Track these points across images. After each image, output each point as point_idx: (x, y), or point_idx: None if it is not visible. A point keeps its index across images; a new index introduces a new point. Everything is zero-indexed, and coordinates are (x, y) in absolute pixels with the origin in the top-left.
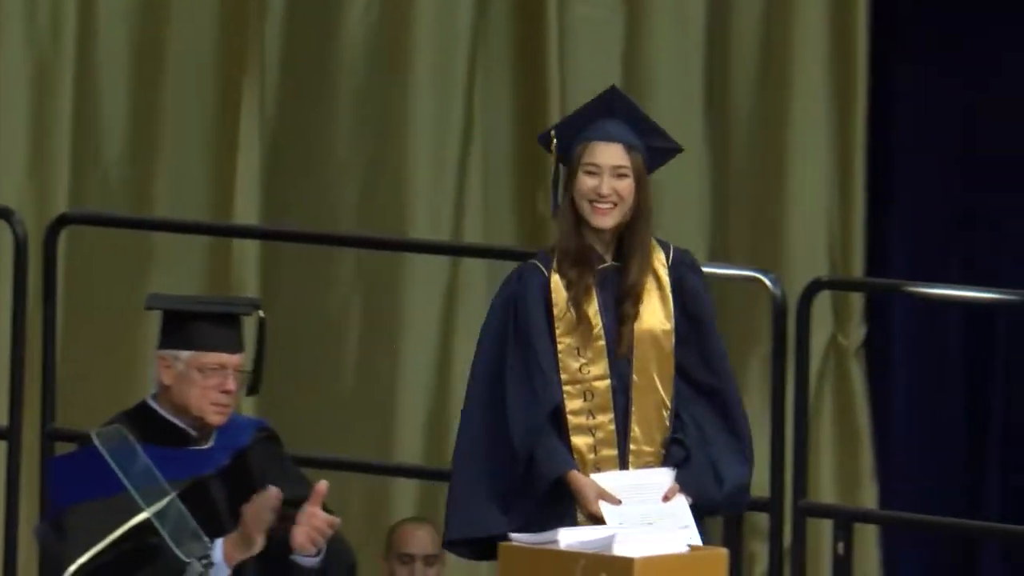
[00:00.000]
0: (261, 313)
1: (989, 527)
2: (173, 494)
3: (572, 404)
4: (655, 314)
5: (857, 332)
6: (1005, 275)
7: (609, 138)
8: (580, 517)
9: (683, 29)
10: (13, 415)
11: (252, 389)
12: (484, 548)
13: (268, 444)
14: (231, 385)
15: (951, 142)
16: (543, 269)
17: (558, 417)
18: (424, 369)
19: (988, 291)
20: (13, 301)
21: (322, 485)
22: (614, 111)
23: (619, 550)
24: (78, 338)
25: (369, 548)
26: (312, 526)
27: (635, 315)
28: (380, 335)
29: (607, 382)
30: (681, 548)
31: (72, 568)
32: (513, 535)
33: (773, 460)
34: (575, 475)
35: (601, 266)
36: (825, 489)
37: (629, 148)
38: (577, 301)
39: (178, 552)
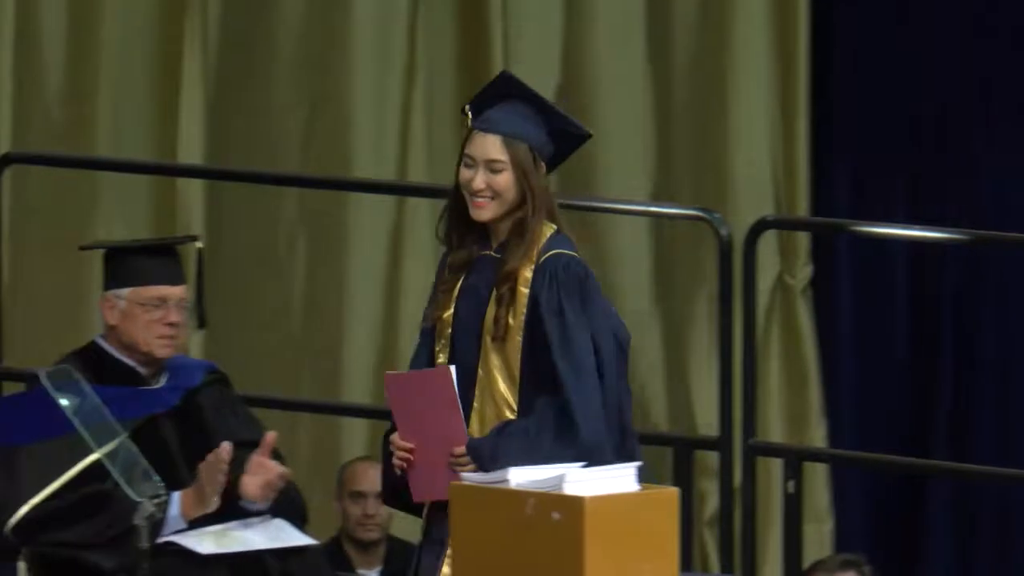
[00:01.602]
0: (199, 244)
1: (936, 465)
2: (124, 434)
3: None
4: (512, 312)
5: (804, 272)
6: (950, 214)
7: (488, 129)
8: None
9: None
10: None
11: (200, 323)
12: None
13: (218, 386)
14: (174, 317)
15: (894, 81)
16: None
17: None
18: (372, 307)
19: (933, 230)
20: None
21: (271, 436)
22: (510, 97)
23: (569, 489)
24: (25, 278)
25: (319, 488)
26: (263, 479)
27: (510, 302)
28: (326, 274)
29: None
30: (631, 487)
31: (24, 510)
32: (464, 474)
33: (722, 399)
34: None
35: (483, 252)
36: (774, 428)
37: (509, 140)
38: (445, 286)
39: (129, 492)
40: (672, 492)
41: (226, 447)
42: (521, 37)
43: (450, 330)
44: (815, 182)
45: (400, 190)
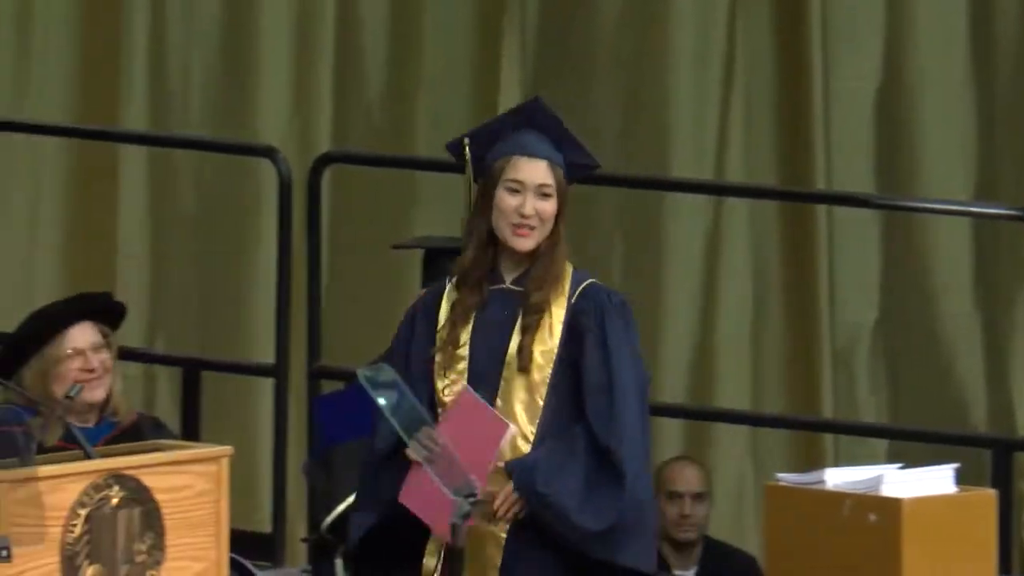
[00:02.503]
0: None
1: None
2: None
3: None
4: (538, 342)
5: None
6: None
7: (534, 154)
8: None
9: None
10: (280, 354)
11: None
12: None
13: None
14: None
15: None
16: (445, 281)
17: None
18: (688, 305)
19: None
20: (278, 239)
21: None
22: (534, 123)
23: (887, 490)
24: (344, 277)
25: None
26: None
27: (535, 332)
28: (643, 271)
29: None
30: (949, 488)
31: (341, 507)
32: (779, 475)
33: None
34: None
35: (494, 287)
36: None
37: (553, 165)
38: (454, 321)
39: (443, 488)
40: (990, 494)
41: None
42: (840, 40)
43: (464, 364)
44: None
45: (718, 190)
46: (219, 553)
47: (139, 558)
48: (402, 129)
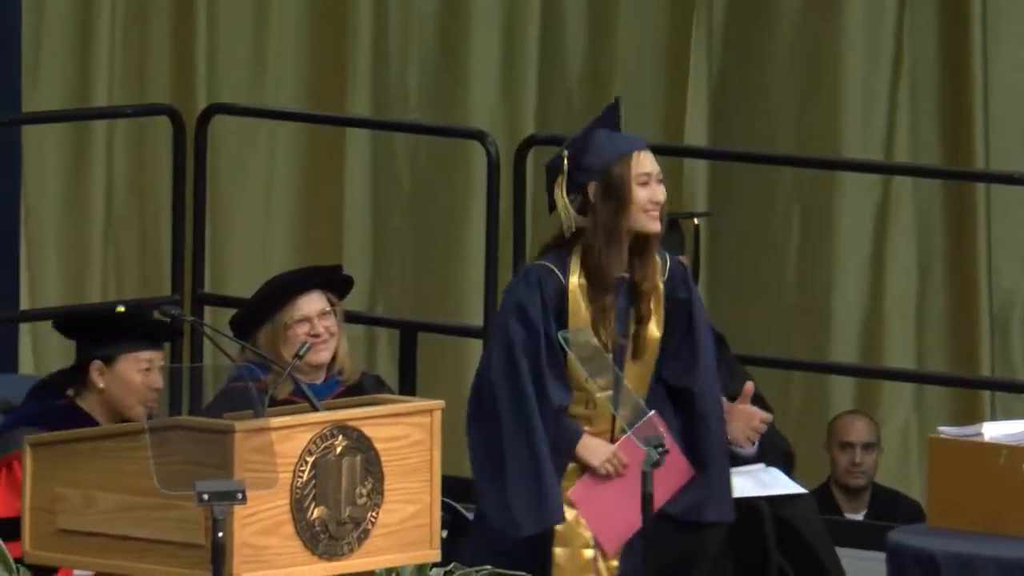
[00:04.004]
0: (696, 221)
1: None
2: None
3: (575, 409)
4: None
5: None
6: None
7: (642, 147)
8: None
9: None
10: (487, 317)
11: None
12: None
13: (715, 346)
14: None
15: None
16: (559, 274)
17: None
18: (858, 276)
19: None
20: (487, 215)
21: (749, 385)
22: (619, 123)
23: None
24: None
25: (809, 439)
26: (747, 423)
27: (649, 317)
28: (817, 245)
29: (609, 392)
30: None
31: None
32: (941, 428)
33: None
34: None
35: (615, 278)
36: None
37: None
38: (596, 318)
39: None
40: None
41: (749, 387)
42: (999, 31)
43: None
44: None
45: (886, 169)
46: (432, 497)
47: (360, 501)
48: (598, 112)
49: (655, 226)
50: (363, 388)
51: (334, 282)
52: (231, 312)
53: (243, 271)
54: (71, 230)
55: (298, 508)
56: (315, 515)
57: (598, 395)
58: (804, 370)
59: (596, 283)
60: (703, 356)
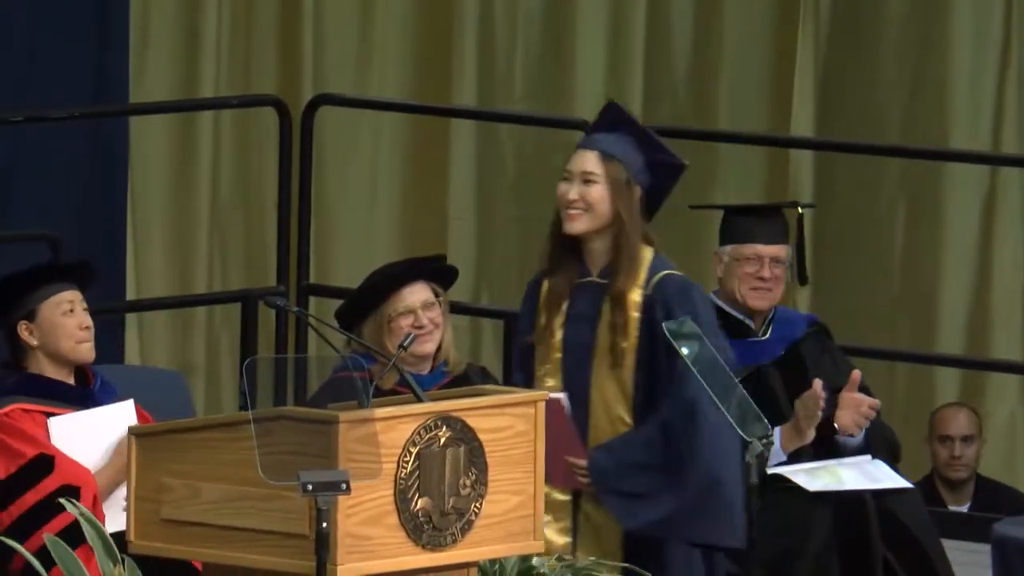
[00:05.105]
0: (800, 210)
1: None
2: (736, 381)
3: None
4: (623, 338)
5: None
6: None
7: (586, 146)
8: None
9: None
10: None
11: (802, 280)
12: None
13: (819, 337)
14: (766, 273)
15: None
16: (544, 275)
17: None
18: (964, 267)
19: None
20: None
21: (856, 374)
22: (615, 127)
23: None
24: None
25: (913, 431)
26: (856, 411)
27: (624, 327)
28: (923, 236)
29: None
30: None
31: None
32: None
33: None
34: None
35: (581, 280)
36: None
37: (606, 157)
38: (548, 312)
39: (742, 433)
40: None
41: (818, 383)
42: None
43: (559, 355)
44: None
45: (993, 160)
46: (535, 487)
47: (464, 492)
48: (704, 105)
49: (566, 224)
50: (469, 379)
51: (439, 273)
52: (336, 303)
53: (348, 262)
54: (177, 221)
55: (402, 499)
56: (419, 506)
57: None
58: (909, 361)
59: (548, 276)
60: (681, 389)
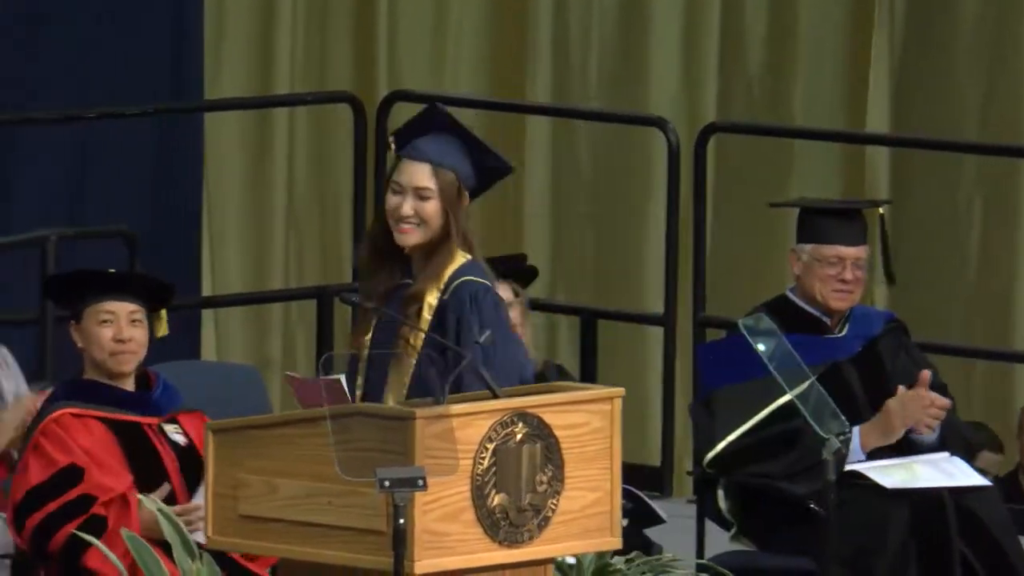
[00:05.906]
0: (881, 210)
1: None
2: (812, 377)
3: None
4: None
5: None
6: None
7: (417, 157)
8: None
9: None
10: (668, 305)
11: (890, 280)
12: None
13: (897, 334)
14: (848, 275)
15: None
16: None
17: None
18: None
19: None
20: (667, 202)
21: (925, 373)
22: (439, 129)
23: None
24: (725, 236)
25: (992, 428)
26: (922, 409)
27: (414, 324)
28: (1000, 233)
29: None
30: None
31: (721, 445)
32: None
33: None
34: None
35: (388, 287)
36: None
37: (437, 169)
38: (356, 322)
39: (818, 430)
40: None
41: (926, 374)
42: None
43: (367, 352)
44: None
45: None
46: (612, 484)
47: (540, 488)
48: (780, 101)
49: (398, 237)
50: (545, 377)
51: (518, 272)
52: None
53: None
54: (253, 217)
55: (478, 495)
56: (495, 502)
57: None
58: (986, 359)
59: (369, 287)
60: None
